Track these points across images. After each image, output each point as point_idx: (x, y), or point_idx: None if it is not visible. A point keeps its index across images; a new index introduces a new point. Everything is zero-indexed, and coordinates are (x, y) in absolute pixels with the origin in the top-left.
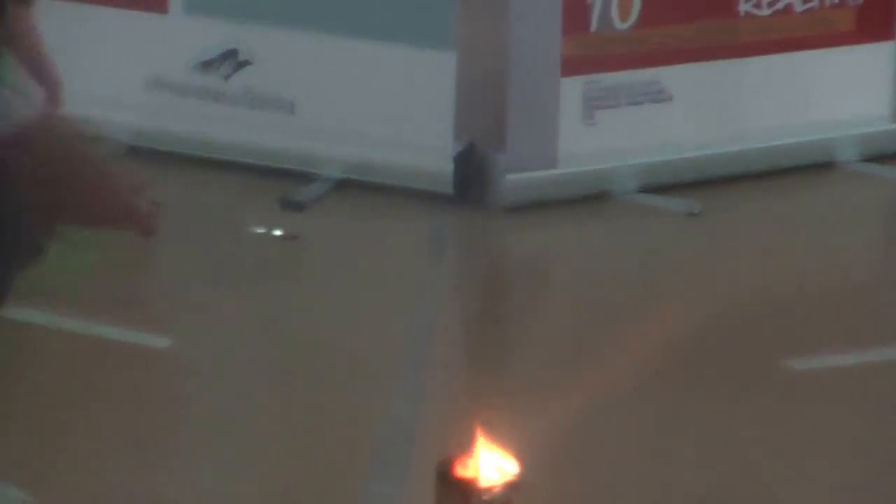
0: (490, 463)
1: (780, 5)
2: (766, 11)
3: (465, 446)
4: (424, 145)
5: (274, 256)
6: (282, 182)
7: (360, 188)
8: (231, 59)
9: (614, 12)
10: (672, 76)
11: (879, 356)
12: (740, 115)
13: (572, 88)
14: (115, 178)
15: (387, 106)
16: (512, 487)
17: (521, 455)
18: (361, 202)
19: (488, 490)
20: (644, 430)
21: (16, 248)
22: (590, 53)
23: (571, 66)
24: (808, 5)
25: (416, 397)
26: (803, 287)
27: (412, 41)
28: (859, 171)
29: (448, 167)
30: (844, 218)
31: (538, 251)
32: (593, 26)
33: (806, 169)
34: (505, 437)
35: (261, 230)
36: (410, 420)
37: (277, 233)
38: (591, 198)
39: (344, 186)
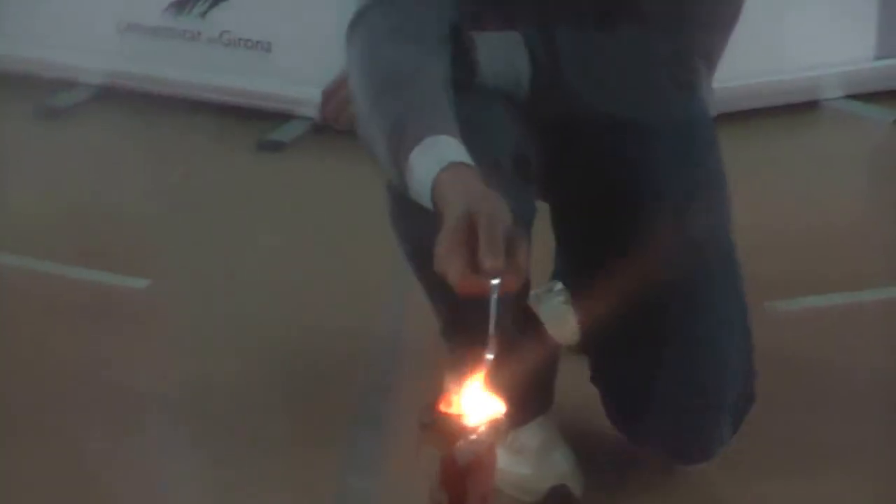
0: (475, 401)
1: None
2: None
3: (449, 385)
4: None
5: (251, 198)
6: (260, 123)
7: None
8: None
9: None
10: None
11: (863, 297)
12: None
13: None
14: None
15: None
16: (497, 427)
17: None
18: (340, 143)
19: (474, 430)
20: None
21: None
22: None
23: None
24: None
25: (396, 343)
26: (786, 228)
27: None
28: (843, 109)
29: None
30: (828, 157)
31: None
32: None
33: (789, 108)
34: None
35: None
36: (390, 366)
37: None
38: None
39: (322, 128)
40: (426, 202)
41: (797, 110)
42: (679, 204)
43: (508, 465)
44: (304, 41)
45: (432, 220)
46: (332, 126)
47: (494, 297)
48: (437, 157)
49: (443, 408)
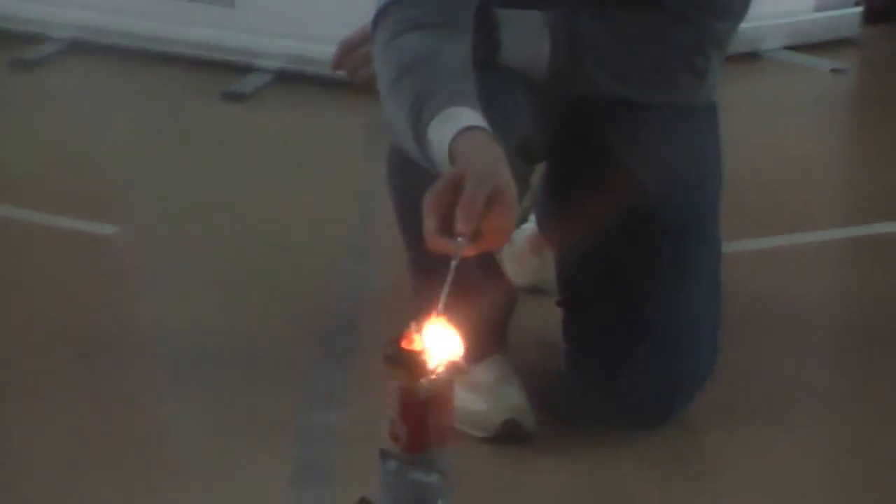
0: (435, 339)
1: None
2: None
3: (411, 326)
4: None
5: (216, 146)
6: (224, 75)
7: (302, 80)
8: None
9: None
10: None
11: (804, 238)
12: None
13: None
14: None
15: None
16: (456, 365)
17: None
18: (303, 94)
19: (435, 367)
20: None
21: None
22: None
23: None
24: None
25: (360, 284)
26: (730, 174)
27: None
28: (783, 59)
29: None
30: (769, 106)
31: None
32: None
33: (732, 58)
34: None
35: None
36: (355, 304)
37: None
38: None
39: (285, 78)
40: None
41: (739, 60)
42: (672, 177)
43: (463, 401)
44: None
45: (427, 180)
46: (349, 79)
47: (454, 263)
48: (455, 124)
49: (405, 344)
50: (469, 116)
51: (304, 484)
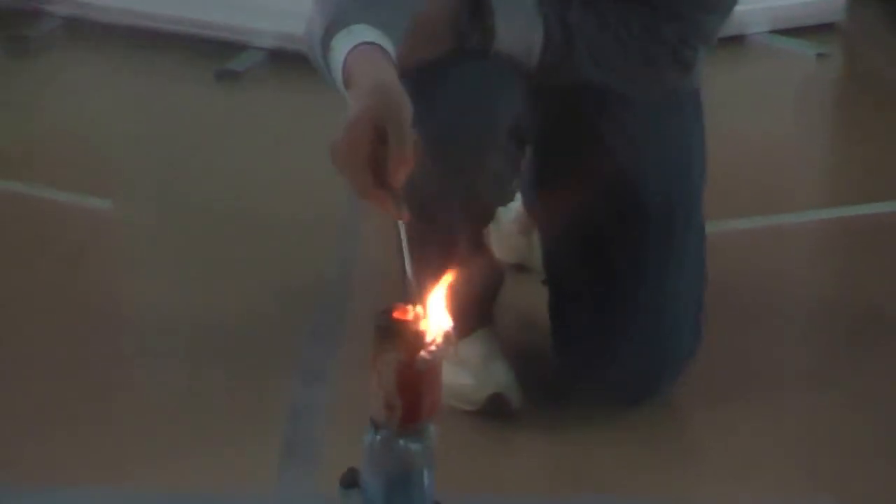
0: (428, 312)
1: None
2: None
3: (404, 299)
4: None
5: (210, 124)
6: (217, 53)
7: (296, 59)
8: None
9: None
10: None
11: (785, 220)
12: None
13: None
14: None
15: None
16: (449, 338)
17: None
18: (297, 72)
19: (432, 338)
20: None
21: None
22: None
23: None
24: None
25: (349, 262)
26: (713, 156)
27: None
28: (769, 43)
29: None
30: (754, 89)
31: None
32: None
33: (717, 41)
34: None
35: None
36: (343, 282)
37: None
38: None
39: (279, 57)
40: (343, 90)
41: (724, 44)
42: (655, 164)
43: (450, 375)
44: None
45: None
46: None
47: (405, 240)
48: (352, 39)
49: (399, 316)
50: (370, 34)
51: (292, 461)
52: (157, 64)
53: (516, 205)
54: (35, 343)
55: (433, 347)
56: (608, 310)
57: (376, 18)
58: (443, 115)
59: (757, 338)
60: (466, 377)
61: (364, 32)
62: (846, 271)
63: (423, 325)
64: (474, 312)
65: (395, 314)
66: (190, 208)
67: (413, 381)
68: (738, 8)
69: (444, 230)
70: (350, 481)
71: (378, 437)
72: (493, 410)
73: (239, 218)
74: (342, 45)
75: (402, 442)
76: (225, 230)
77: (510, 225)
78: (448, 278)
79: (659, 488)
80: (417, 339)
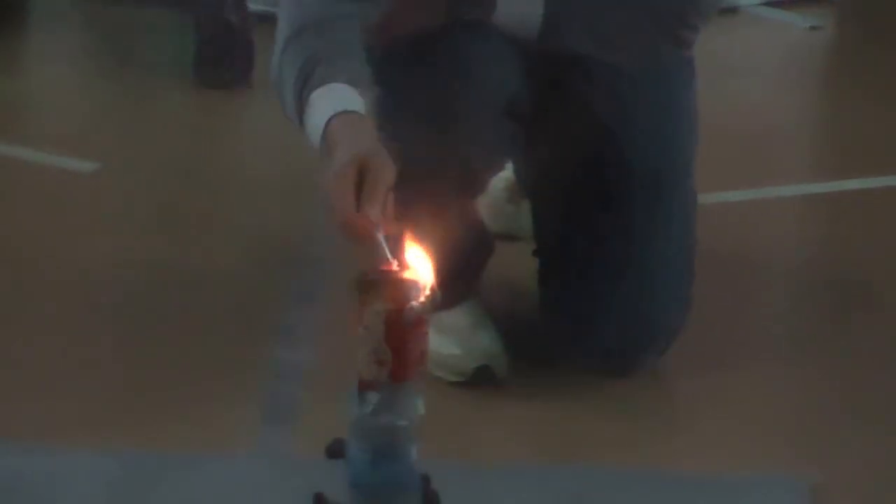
0: (412, 267)
1: None
2: None
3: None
4: None
5: (197, 90)
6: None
7: None
8: None
9: None
10: None
11: (776, 192)
12: None
13: None
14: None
15: None
16: (434, 292)
17: None
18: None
19: (420, 289)
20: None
21: None
22: None
23: None
24: None
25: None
26: (705, 127)
27: None
28: (761, 15)
29: None
30: (746, 61)
31: None
32: None
33: None
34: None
35: None
36: (326, 242)
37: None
38: None
39: (270, 21)
40: (316, 143)
41: (717, 15)
42: (643, 129)
43: (437, 345)
44: None
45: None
46: None
47: (382, 234)
48: (335, 102)
49: (384, 268)
50: (350, 99)
51: (272, 422)
52: (143, 23)
53: (507, 173)
54: (6, 302)
55: (421, 297)
56: (596, 277)
57: (350, 68)
58: (440, 85)
59: (745, 310)
60: (453, 347)
61: (345, 96)
62: (836, 243)
63: (409, 276)
64: (462, 282)
65: (383, 267)
66: (175, 172)
67: (403, 331)
68: None
69: (436, 200)
70: (335, 452)
71: (369, 402)
72: (480, 381)
73: (222, 182)
74: (322, 105)
75: (386, 416)
76: (208, 194)
77: (500, 193)
78: (427, 239)
79: (646, 458)
80: (405, 288)
